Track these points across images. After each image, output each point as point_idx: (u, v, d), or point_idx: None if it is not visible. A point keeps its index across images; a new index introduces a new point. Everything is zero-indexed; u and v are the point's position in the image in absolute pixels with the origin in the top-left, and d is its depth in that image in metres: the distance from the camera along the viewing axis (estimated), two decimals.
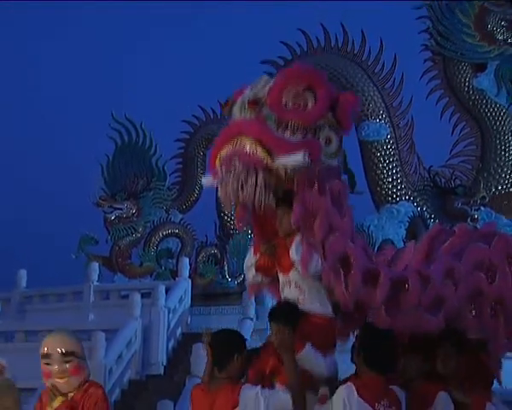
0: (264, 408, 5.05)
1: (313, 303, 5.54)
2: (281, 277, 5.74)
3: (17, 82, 40.20)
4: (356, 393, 5.03)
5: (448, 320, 5.57)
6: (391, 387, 5.22)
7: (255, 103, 5.51)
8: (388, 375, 5.25)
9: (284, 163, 5.37)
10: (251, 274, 5.94)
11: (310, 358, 5.38)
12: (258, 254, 5.86)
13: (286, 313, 5.45)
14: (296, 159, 5.34)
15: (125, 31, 42.21)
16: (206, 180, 5.77)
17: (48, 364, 5.44)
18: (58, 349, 5.48)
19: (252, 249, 5.96)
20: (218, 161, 5.52)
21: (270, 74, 5.95)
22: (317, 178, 5.48)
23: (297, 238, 5.50)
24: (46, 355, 5.45)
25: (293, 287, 5.60)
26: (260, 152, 5.36)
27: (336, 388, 5.22)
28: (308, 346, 5.37)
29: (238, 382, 5.30)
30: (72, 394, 5.48)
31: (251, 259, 5.92)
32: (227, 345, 5.35)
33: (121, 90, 36.83)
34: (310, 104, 5.55)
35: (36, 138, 37.34)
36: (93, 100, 36.18)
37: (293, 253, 5.48)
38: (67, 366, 5.46)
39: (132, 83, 38.49)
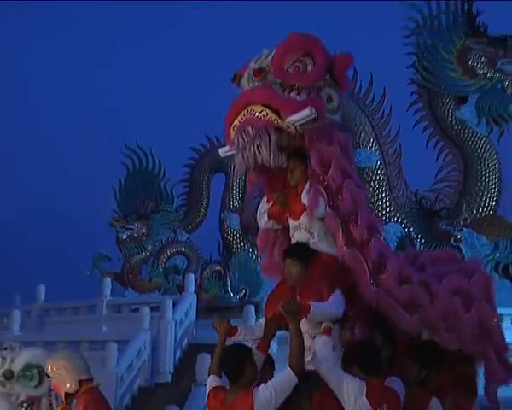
0: (274, 397, 5.11)
1: (321, 243, 5.69)
2: (292, 223, 5.87)
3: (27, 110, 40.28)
4: (365, 394, 5.08)
5: (421, 326, 5.66)
6: (390, 385, 5.23)
7: (260, 72, 5.67)
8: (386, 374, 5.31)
9: (293, 120, 5.58)
10: (263, 220, 6.06)
11: (337, 300, 5.48)
12: (270, 203, 5.98)
13: (299, 250, 5.66)
14: (304, 114, 5.54)
15: (136, 67, 42.38)
16: (223, 150, 5.99)
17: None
18: (51, 366, 5.99)
19: (265, 198, 6.06)
20: (231, 131, 5.70)
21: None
22: (324, 131, 5.66)
23: (307, 185, 5.68)
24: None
25: (304, 230, 5.75)
26: (270, 115, 5.56)
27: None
28: (338, 291, 5.50)
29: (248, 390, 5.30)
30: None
31: (264, 206, 6.04)
32: (238, 359, 5.33)
33: (134, 120, 36.91)
34: (309, 67, 5.71)
35: (54, 165, 37.41)
36: (106, 129, 36.25)
37: (304, 197, 5.68)
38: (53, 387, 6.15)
39: (144, 114, 38.61)
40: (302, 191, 5.75)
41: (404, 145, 18.73)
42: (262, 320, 5.99)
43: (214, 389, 5.44)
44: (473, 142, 17.94)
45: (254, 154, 5.57)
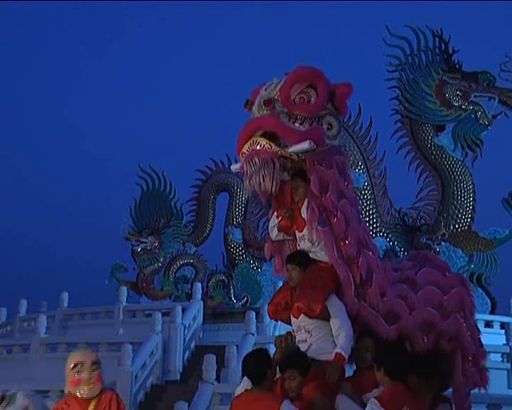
0: None
1: (321, 253, 5.80)
2: (297, 233, 5.99)
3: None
4: (379, 406, 4.95)
5: (400, 336, 5.63)
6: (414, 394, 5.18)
7: (270, 102, 5.72)
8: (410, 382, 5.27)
9: (295, 150, 5.67)
10: (274, 233, 6.15)
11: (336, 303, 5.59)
12: (279, 218, 6.07)
13: (299, 257, 5.82)
14: (304, 147, 5.63)
15: (147, 97, 42.50)
16: (235, 167, 6.06)
17: (78, 372, 5.32)
18: (89, 359, 5.40)
19: (275, 214, 6.13)
20: (241, 156, 5.79)
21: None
22: (324, 156, 5.73)
23: (306, 201, 5.81)
24: (79, 364, 5.33)
25: (307, 240, 5.87)
26: (274, 147, 5.65)
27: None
28: (333, 295, 5.61)
29: (276, 394, 5.29)
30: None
31: (274, 221, 6.12)
32: (260, 364, 5.31)
33: (147, 143, 36.99)
34: (313, 98, 5.78)
35: (79, 185, 37.45)
36: (123, 153, 36.28)
37: (304, 211, 5.81)
38: (94, 373, 5.37)
39: (156, 138, 38.69)
40: (302, 206, 5.86)
41: (389, 168, 18.79)
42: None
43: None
44: (450, 165, 17.96)
45: (259, 182, 5.65)
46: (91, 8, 40.80)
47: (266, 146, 5.64)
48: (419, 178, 18.47)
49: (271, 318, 6.32)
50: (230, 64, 39.28)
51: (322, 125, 5.79)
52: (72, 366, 5.35)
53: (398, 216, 18.42)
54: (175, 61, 44.78)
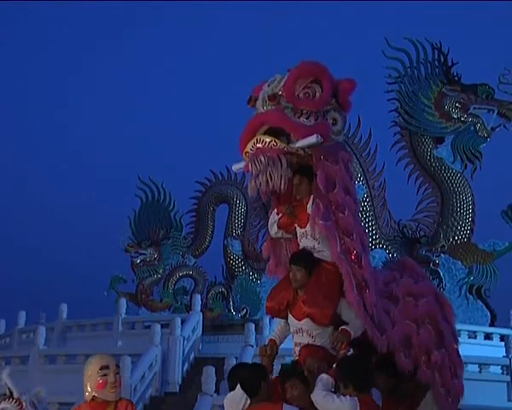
0: None
1: (324, 249, 5.71)
2: (299, 230, 5.90)
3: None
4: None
5: (388, 348, 5.59)
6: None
7: (274, 97, 5.66)
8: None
9: (302, 145, 5.60)
10: (274, 230, 6.07)
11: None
12: (280, 214, 6.00)
13: (304, 258, 5.71)
14: (311, 141, 5.56)
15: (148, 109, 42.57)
16: (237, 166, 5.98)
17: (105, 375, 5.39)
18: (113, 362, 5.49)
19: (275, 211, 6.07)
20: (245, 156, 5.71)
21: None
22: (330, 151, 5.68)
23: (312, 197, 5.70)
24: (106, 367, 5.40)
25: (310, 237, 5.78)
26: (279, 143, 5.57)
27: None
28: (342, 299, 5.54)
29: (275, 401, 5.28)
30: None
31: (274, 217, 6.05)
32: (255, 377, 5.30)
33: (147, 156, 37.05)
34: (317, 93, 5.72)
35: (78, 198, 37.46)
36: (122, 165, 36.31)
37: (310, 207, 5.71)
38: (117, 377, 5.45)
39: (156, 150, 38.74)
40: (308, 202, 5.79)
41: (388, 180, 18.78)
42: (279, 323, 6.04)
43: None
44: (449, 177, 17.98)
45: (267, 180, 5.57)
46: (91, 6, 40.71)
47: (272, 143, 5.56)
48: (418, 190, 18.48)
49: (268, 314, 6.27)
50: (232, 71, 39.32)
51: (327, 120, 5.76)
52: (98, 368, 5.40)
53: (397, 228, 18.42)
54: (175, 66, 44.71)
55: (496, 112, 17.81)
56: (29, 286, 32.41)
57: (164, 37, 43.74)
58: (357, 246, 5.56)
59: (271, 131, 5.64)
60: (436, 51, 18.24)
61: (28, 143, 40.38)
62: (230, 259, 20.04)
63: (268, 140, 5.58)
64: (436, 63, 18.18)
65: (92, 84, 42.94)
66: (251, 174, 5.66)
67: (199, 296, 17.18)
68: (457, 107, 17.91)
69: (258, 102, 5.77)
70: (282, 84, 5.73)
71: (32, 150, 40.38)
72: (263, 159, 5.54)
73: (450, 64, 18.15)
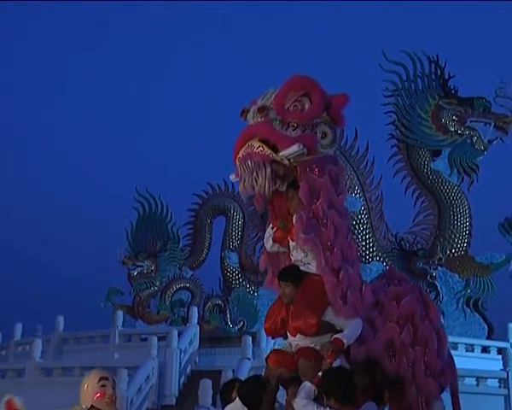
0: None
1: (312, 262, 5.77)
2: (291, 243, 5.96)
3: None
4: None
5: (369, 357, 5.64)
6: None
7: (263, 110, 5.84)
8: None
9: (285, 154, 5.73)
10: (269, 244, 6.16)
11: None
12: (275, 228, 6.08)
13: (291, 273, 5.79)
14: (293, 149, 5.69)
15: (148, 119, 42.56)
16: (232, 176, 6.10)
17: (104, 386, 5.49)
18: (111, 377, 5.59)
19: (270, 225, 6.16)
20: (237, 162, 5.87)
21: None
22: (316, 163, 5.75)
23: (297, 210, 5.79)
24: (105, 378, 5.52)
25: (299, 250, 5.85)
26: (266, 149, 5.72)
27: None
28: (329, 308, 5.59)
29: None
30: None
31: (269, 232, 6.14)
32: (254, 392, 5.35)
33: (143, 168, 37.07)
34: (306, 106, 5.84)
35: (76, 208, 37.40)
36: (119, 177, 36.31)
37: (294, 220, 5.80)
38: (114, 391, 5.54)
39: (153, 163, 38.76)
40: (294, 215, 5.88)
41: (386, 192, 18.81)
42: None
43: None
44: (446, 190, 18.02)
45: (252, 183, 5.73)
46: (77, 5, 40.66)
47: (259, 149, 5.72)
48: (415, 203, 18.51)
49: (268, 335, 6.37)
50: (232, 79, 39.41)
51: (316, 133, 5.87)
52: (98, 379, 5.51)
53: (394, 241, 18.43)
54: (176, 69, 44.61)
55: (492, 125, 17.87)
56: (25, 298, 32.35)
57: (152, 35, 43.56)
58: (336, 261, 5.61)
59: (263, 142, 5.78)
60: (433, 64, 18.32)
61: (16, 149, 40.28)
62: (227, 271, 20.02)
63: (256, 145, 5.76)
64: (433, 76, 18.26)
65: (79, 85, 42.79)
66: (240, 177, 5.85)
67: (196, 309, 17.18)
68: (454, 120, 17.96)
69: (249, 115, 5.95)
70: (273, 97, 5.89)
71: (25, 154, 40.28)
72: (250, 163, 5.72)
73: (446, 77, 18.23)
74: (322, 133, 5.91)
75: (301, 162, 5.76)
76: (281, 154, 5.73)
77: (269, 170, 5.71)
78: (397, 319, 5.83)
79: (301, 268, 5.81)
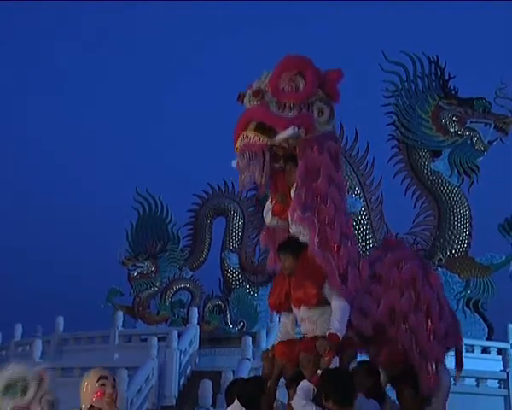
0: None
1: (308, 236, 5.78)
2: (290, 217, 5.97)
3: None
4: None
5: (374, 330, 5.67)
6: None
7: (258, 93, 5.86)
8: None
9: (281, 138, 5.78)
10: (268, 218, 6.20)
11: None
12: (273, 202, 6.12)
13: (289, 245, 5.83)
14: (288, 133, 5.73)
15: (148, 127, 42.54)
16: (234, 162, 6.07)
17: (103, 385, 5.38)
18: (111, 377, 5.49)
19: (269, 200, 6.21)
20: (236, 151, 5.90)
21: None
22: (315, 141, 5.78)
23: (295, 185, 5.83)
24: (104, 377, 5.41)
25: (297, 224, 5.86)
26: (262, 137, 5.75)
27: None
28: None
29: None
30: None
31: (269, 206, 6.19)
32: (253, 392, 5.34)
33: (143, 168, 37.07)
34: (301, 86, 5.87)
35: (78, 209, 37.38)
36: (120, 178, 36.32)
37: (292, 193, 5.85)
38: (114, 391, 5.43)
39: (153, 165, 38.76)
40: (291, 189, 5.93)
41: (386, 193, 18.81)
42: (282, 320, 6.11)
43: None
44: (446, 191, 18.02)
45: (250, 176, 5.80)
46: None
47: (255, 139, 5.75)
48: (415, 204, 18.51)
49: (273, 311, 6.42)
50: (232, 79, 39.35)
51: (312, 111, 5.90)
52: (97, 378, 5.40)
53: None
54: (176, 69, 44.60)
55: (492, 126, 17.88)
56: (25, 299, 32.35)
57: (137, 23, 43.32)
58: (336, 236, 5.64)
59: (260, 126, 5.81)
60: (433, 65, 18.32)
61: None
62: (227, 272, 20.02)
63: (252, 136, 5.79)
64: (433, 77, 18.26)
65: (80, 85, 42.71)
66: (239, 170, 5.90)
67: (196, 309, 17.17)
68: (454, 120, 17.96)
69: (246, 99, 5.97)
70: (267, 80, 5.92)
71: (25, 154, 40.21)
72: (247, 154, 5.77)
73: (447, 78, 18.23)
74: (319, 111, 5.94)
75: (300, 142, 5.80)
76: (277, 138, 5.77)
77: (267, 157, 5.77)
78: (399, 285, 5.86)
79: (301, 239, 5.84)
